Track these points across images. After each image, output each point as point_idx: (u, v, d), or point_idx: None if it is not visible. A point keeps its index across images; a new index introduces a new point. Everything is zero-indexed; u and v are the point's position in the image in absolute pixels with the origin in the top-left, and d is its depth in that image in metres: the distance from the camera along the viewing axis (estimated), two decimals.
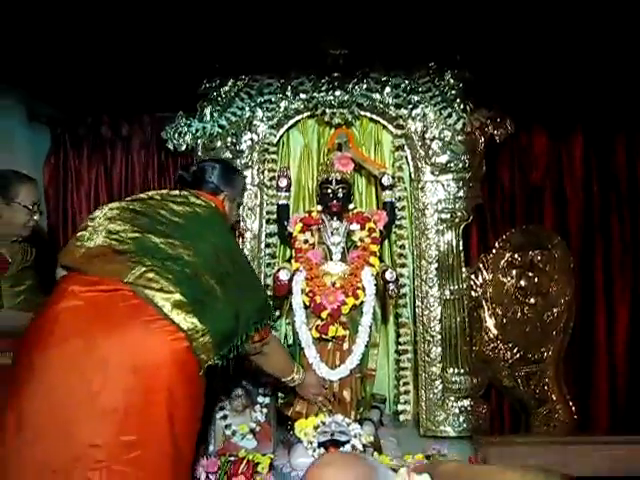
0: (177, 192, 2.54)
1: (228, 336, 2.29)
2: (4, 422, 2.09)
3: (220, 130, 3.55)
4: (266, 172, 3.54)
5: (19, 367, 2.17)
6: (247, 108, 3.56)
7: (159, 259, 2.24)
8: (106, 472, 2.00)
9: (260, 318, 2.45)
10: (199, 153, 3.59)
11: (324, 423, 2.86)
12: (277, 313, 3.50)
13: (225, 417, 3.12)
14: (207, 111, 3.57)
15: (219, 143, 3.55)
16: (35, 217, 3.03)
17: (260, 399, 3.19)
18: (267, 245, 3.55)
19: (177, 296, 2.17)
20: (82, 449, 2.03)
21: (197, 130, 3.59)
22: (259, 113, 3.56)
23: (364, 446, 2.81)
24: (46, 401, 2.08)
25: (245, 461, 2.83)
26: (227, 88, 3.56)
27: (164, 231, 2.32)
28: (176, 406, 2.14)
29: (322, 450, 2.77)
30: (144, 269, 2.19)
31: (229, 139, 3.54)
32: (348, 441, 2.79)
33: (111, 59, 3.56)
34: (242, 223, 3.51)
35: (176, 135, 3.61)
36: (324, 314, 3.09)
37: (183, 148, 3.62)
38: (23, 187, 3.01)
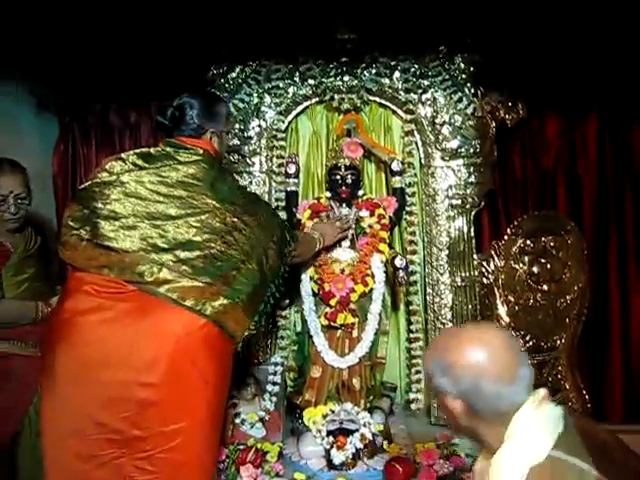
0: (158, 150, 2.44)
1: (258, 299, 2.37)
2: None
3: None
4: (274, 159, 3.51)
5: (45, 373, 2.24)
6: (255, 94, 3.52)
7: (167, 251, 2.23)
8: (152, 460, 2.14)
9: (282, 251, 2.52)
10: None
11: (333, 411, 2.85)
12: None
13: (234, 405, 3.10)
14: None
15: None
16: (10, 208, 2.95)
17: (269, 387, 3.16)
18: None
19: (196, 283, 2.20)
20: (126, 443, 2.14)
21: None
22: (267, 99, 3.52)
23: (373, 435, 2.79)
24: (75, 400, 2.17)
25: (253, 450, 2.80)
26: (234, 74, 3.51)
27: (163, 212, 2.29)
28: (210, 391, 2.23)
29: (331, 438, 2.75)
30: (156, 267, 2.20)
31: (237, 126, 3.49)
32: (357, 430, 2.77)
33: (118, 46, 3.54)
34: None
35: None
36: (333, 301, 3.08)
37: None
38: (2, 178, 2.95)
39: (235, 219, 2.35)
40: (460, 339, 1.60)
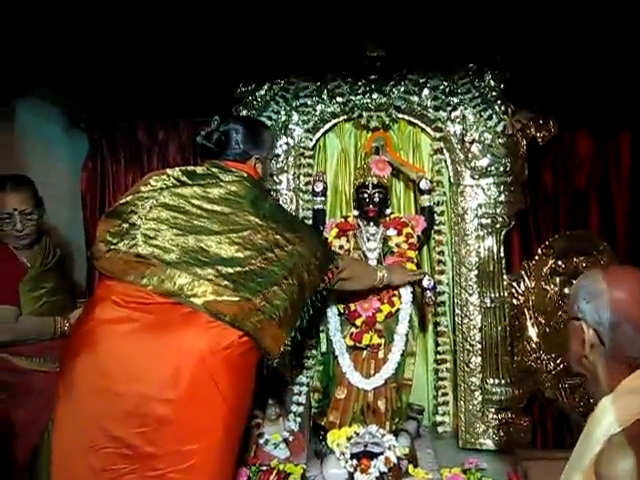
0: (203, 169, 2.47)
1: (295, 314, 2.38)
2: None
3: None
4: (302, 177, 3.48)
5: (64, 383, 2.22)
6: (283, 112, 3.51)
7: (209, 265, 2.23)
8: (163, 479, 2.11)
9: (324, 269, 2.55)
10: None
11: (357, 434, 2.82)
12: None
13: (258, 425, 3.07)
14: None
15: None
16: (17, 226, 2.96)
17: (294, 408, 3.13)
18: None
19: (236, 299, 2.20)
20: (139, 459, 2.11)
21: None
22: (295, 117, 3.50)
23: (398, 458, 2.74)
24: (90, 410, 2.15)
25: (275, 471, 2.78)
26: (263, 92, 3.50)
27: (206, 227, 2.31)
28: (229, 412, 2.20)
29: (355, 461, 2.70)
30: (196, 280, 2.20)
31: None
32: (382, 453, 2.73)
33: (147, 64, 3.54)
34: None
35: None
36: (359, 322, 3.04)
37: None
38: (4, 195, 2.96)
39: (277, 236, 2.37)
40: (618, 274, 1.60)
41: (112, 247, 2.27)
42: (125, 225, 2.29)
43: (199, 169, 2.47)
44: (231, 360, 2.19)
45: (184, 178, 2.41)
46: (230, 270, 2.24)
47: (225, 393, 2.17)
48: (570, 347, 1.70)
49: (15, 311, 2.89)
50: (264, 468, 2.84)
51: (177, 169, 2.45)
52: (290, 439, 3.06)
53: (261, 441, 3.03)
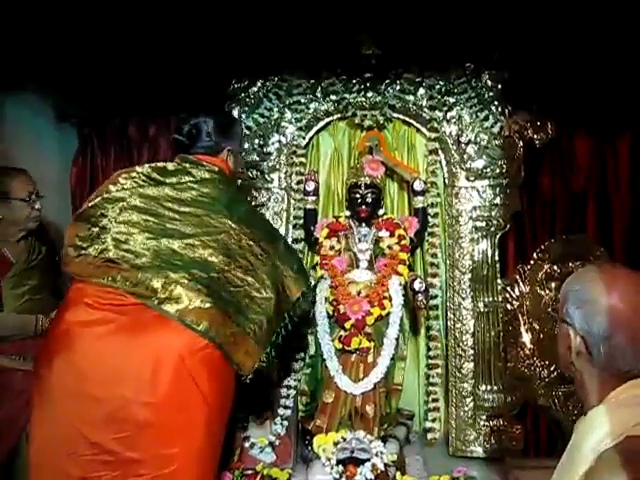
0: (174, 165, 2.43)
1: (271, 330, 2.33)
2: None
3: (247, 132, 3.44)
4: (294, 175, 3.43)
5: (40, 386, 2.18)
6: (275, 109, 3.46)
7: (183, 268, 2.19)
8: None
9: (301, 286, 2.51)
10: None
11: (344, 439, 2.75)
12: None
13: (244, 428, 3.02)
14: (235, 112, 3.46)
15: (246, 145, 3.43)
16: (36, 206, 3.00)
17: (281, 411, 3.08)
18: None
19: (209, 306, 2.16)
20: (121, 465, 2.06)
21: None
22: (288, 114, 3.46)
23: (386, 465, 2.67)
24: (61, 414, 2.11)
25: (260, 476, 2.72)
26: (255, 89, 3.46)
27: (178, 230, 2.26)
28: (211, 414, 2.17)
29: (341, 468, 2.64)
30: (169, 284, 2.16)
31: (256, 141, 3.43)
32: (369, 459, 2.66)
33: (139, 59, 3.51)
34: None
35: None
36: (348, 324, 2.98)
37: None
38: (14, 181, 2.99)
39: (251, 242, 2.33)
40: (614, 278, 1.49)
41: (82, 252, 2.22)
42: (95, 229, 2.25)
43: (170, 165, 2.43)
44: (211, 360, 2.16)
45: (154, 175, 2.36)
46: (203, 274, 2.20)
47: (206, 393, 2.13)
48: (559, 349, 1.61)
49: None
50: (249, 472, 2.79)
51: (147, 166, 2.41)
52: (276, 443, 3.00)
53: (247, 444, 2.97)
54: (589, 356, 1.46)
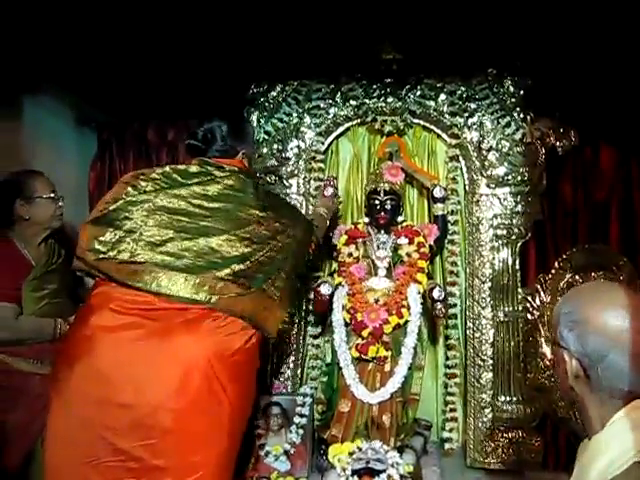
0: (197, 167, 2.41)
1: (292, 292, 2.56)
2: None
3: (266, 136, 3.44)
4: (312, 181, 3.41)
5: (59, 390, 2.16)
6: (295, 114, 3.45)
7: (224, 265, 2.21)
8: None
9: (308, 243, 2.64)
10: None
11: (360, 449, 2.70)
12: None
13: (259, 436, 2.98)
14: (254, 117, 3.46)
15: (265, 150, 3.43)
16: (60, 204, 3.03)
17: (297, 419, 3.03)
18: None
19: (250, 294, 2.25)
20: (146, 472, 2.04)
21: None
22: (307, 119, 3.44)
23: (402, 477, 2.62)
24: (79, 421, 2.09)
25: None
26: (275, 93, 3.45)
27: (213, 227, 2.27)
28: (234, 420, 2.19)
29: (356, 478, 2.60)
30: (216, 283, 2.19)
31: (275, 146, 3.42)
32: (384, 470, 2.61)
33: (159, 64, 3.50)
34: None
35: None
36: (365, 333, 2.95)
37: None
38: (37, 181, 2.99)
39: (277, 224, 2.39)
40: (604, 296, 1.44)
41: (103, 256, 2.19)
42: (119, 232, 2.21)
43: (192, 167, 2.40)
44: (237, 366, 2.17)
45: (177, 177, 2.34)
46: (242, 267, 2.24)
47: (232, 400, 2.14)
48: (557, 374, 1.56)
49: (15, 310, 2.83)
50: None
51: (167, 168, 2.38)
52: (291, 451, 2.96)
53: (262, 452, 2.94)
54: (587, 379, 1.40)
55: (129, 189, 2.30)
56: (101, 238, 2.21)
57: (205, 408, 2.09)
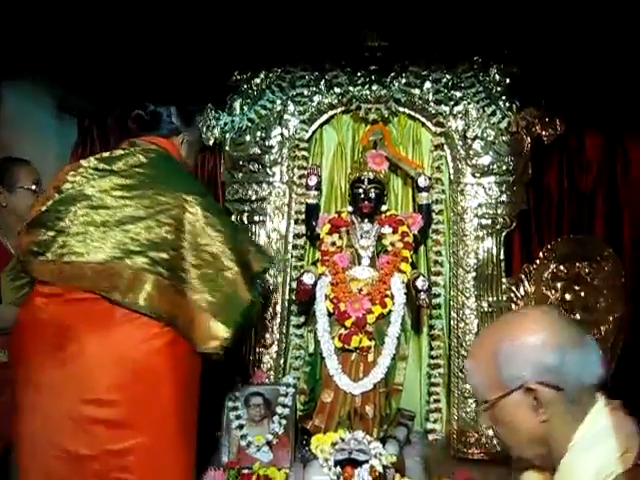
0: (120, 150, 2.42)
1: (235, 307, 2.27)
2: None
3: (249, 124, 3.41)
4: (296, 169, 3.38)
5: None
6: (278, 101, 3.42)
7: (142, 253, 2.16)
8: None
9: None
10: (227, 147, 3.45)
11: (343, 440, 2.67)
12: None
13: (241, 427, 2.96)
14: (237, 104, 3.44)
15: (248, 137, 3.40)
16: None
17: (279, 409, 2.99)
18: (294, 247, 3.38)
19: (167, 288, 2.15)
20: (77, 462, 2.07)
21: (225, 124, 3.46)
22: (291, 107, 3.41)
23: (385, 467, 2.60)
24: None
25: (256, 476, 2.67)
26: (258, 80, 3.43)
27: (131, 215, 2.22)
28: (172, 409, 2.17)
29: (338, 469, 2.58)
30: (132, 272, 2.13)
31: (258, 133, 3.40)
32: (367, 461, 2.59)
33: (140, 50, 3.47)
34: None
35: (204, 129, 3.46)
36: (348, 322, 2.92)
37: (211, 142, 3.50)
38: (21, 170, 2.99)
39: (208, 213, 2.28)
40: (521, 317, 1.47)
41: (40, 257, 2.20)
42: (51, 233, 2.21)
43: (116, 151, 2.42)
44: (174, 354, 2.16)
45: (102, 165, 2.33)
46: (163, 255, 2.17)
47: (167, 382, 2.14)
48: (513, 434, 1.46)
49: None
50: (245, 471, 2.74)
51: (92, 159, 2.38)
52: (274, 442, 2.93)
53: (244, 443, 2.91)
54: (560, 391, 1.37)
55: (61, 186, 2.30)
56: (35, 240, 2.23)
57: (137, 395, 2.10)
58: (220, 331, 2.21)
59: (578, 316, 3.23)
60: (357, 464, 2.59)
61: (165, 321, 2.13)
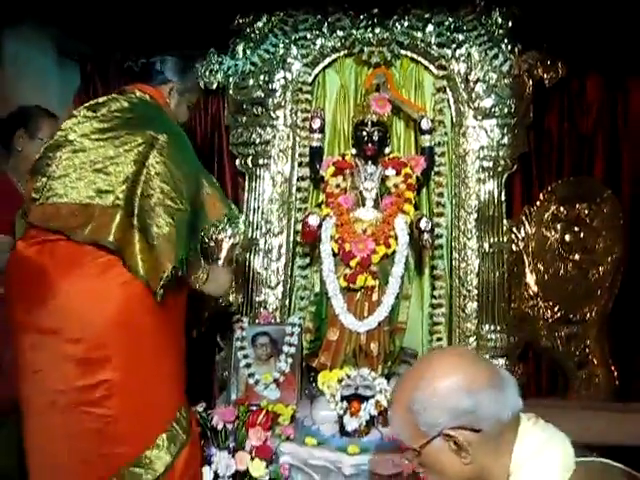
0: (110, 96, 2.45)
1: (179, 242, 2.22)
2: None
3: (252, 68, 3.41)
4: (299, 113, 3.39)
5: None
6: (281, 45, 3.41)
7: (111, 193, 2.18)
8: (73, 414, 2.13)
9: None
10: (230, 91, 3.46)
11: (349, 376, 2.75)
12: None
13: (248, 365, 3.04)
14: (239, 48, 3.43)
15: (251, 81, 3.40)
16: None
17: (285, 348, 3.07)
18: (298, 189, 3.42)
19: (118, 220, 2.16)
20: (52, 395, 2.14)
21: (229, 68, 3.45)
22: (293, 50, 3.40)
23: (389, 402, 2.68)
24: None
25: (264, 412, 2.74)
26: (261, 24, 3.40)
27: (103, 155, 2.24)
28: (148, 344, 2.22)
29: (345, 404, 2.66)
30: (101, 210, 2.17)
31: (261, 77, 3.39)
32: (373, 396, 2.68)
33: None
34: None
35: (207, 73, 3.46)
36: (353, 262, 2.96)
37: (214, 86, 3.50)
38: (45, 123, 2.99)
39: (176, 153, 2.30)
40: (434, 362, 1.49)
41: (35, 203, 2.25)
42: (44, 179, 2.26)
43: (102, 98, 2.45)
44: (133, 284, 2.17)
45: (88, 113, 2.37)
46: (128, 193, 2.18)
47: (137, 318, 2.18)
48: (445, 474, 1.46)
49: (10, 242, 2.80)
50: (253, 408, 2.80)
51: (82, 108, 2.42)
52: (281, 380, 3.01)
53: (251, 381, 3.00)
54: (479, 432, 1.38)
55: (58, 133, 2.35)
56: (34, 186, 2.28)
57: (109, 330, 2.14)
58: (162, 267, 2.17)
59: (577, 257, 3.31)
60: (363, 399, 2.68)
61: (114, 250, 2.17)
